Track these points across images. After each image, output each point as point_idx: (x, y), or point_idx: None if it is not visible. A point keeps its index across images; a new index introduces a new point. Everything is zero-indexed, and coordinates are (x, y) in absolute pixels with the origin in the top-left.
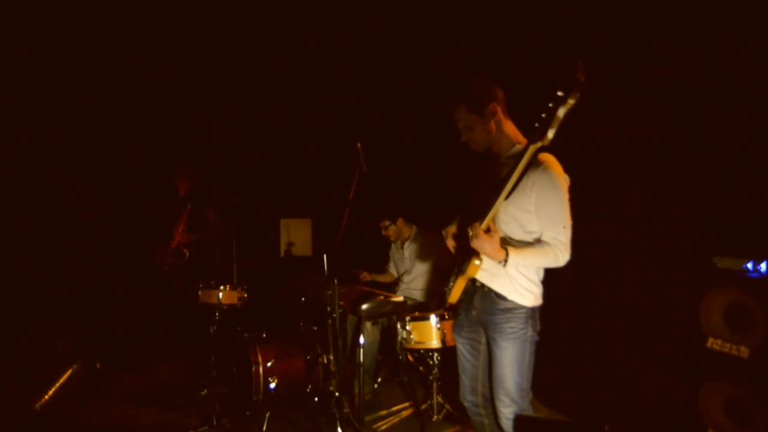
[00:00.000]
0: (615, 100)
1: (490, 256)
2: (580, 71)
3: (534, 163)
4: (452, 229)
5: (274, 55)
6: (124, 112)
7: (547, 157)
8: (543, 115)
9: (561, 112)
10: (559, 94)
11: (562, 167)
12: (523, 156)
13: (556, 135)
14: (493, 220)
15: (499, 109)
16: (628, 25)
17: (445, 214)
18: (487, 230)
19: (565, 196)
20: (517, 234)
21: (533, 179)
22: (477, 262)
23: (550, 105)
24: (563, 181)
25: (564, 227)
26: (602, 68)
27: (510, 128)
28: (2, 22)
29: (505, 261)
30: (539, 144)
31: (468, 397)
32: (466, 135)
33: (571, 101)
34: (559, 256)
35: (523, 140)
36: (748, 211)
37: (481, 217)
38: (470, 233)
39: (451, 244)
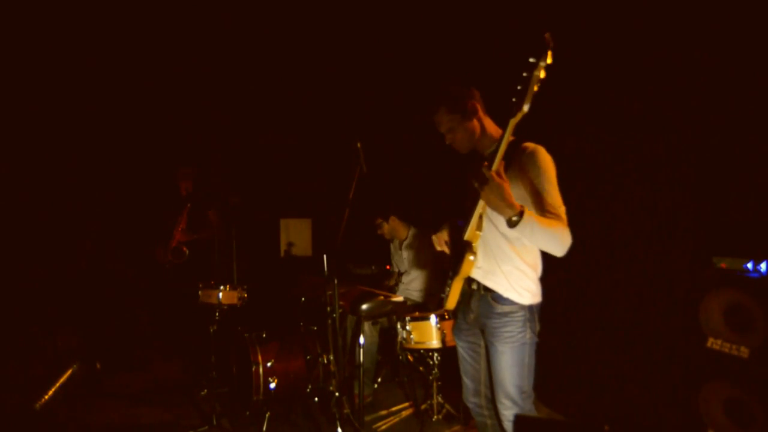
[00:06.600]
0: (615, 100)
1: (500, 209)
2: (549, 39)
3: (519, 150)
4: (443, 236)
5: (274, 55)
6: (126, 112)
7: (533, 144)
8: (519, 87)
9: (535, 78)
10: (531, 60)
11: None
12: (504, 134)
13: (532, 106)
14: (485, 213)
15: (478, 107)
16: (628, 25)
17: (444, 214)
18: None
19: (555, 178)
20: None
21: (521, 163)
22: (471, 257)
23: (524, 74)
24: (552, 163)
25: (560, 206)
26: (602, 68)
27: (490, 126)
28: (3, 22)
29: (520, 217)
30: (519, 116)
31: (471, 398)
32: (450, 137)
33: (542, 64)
34: (566, 234)
35: None
36: (748, 211)
37: (472, 210)
38: (476, 184)
39: (443, 248)
